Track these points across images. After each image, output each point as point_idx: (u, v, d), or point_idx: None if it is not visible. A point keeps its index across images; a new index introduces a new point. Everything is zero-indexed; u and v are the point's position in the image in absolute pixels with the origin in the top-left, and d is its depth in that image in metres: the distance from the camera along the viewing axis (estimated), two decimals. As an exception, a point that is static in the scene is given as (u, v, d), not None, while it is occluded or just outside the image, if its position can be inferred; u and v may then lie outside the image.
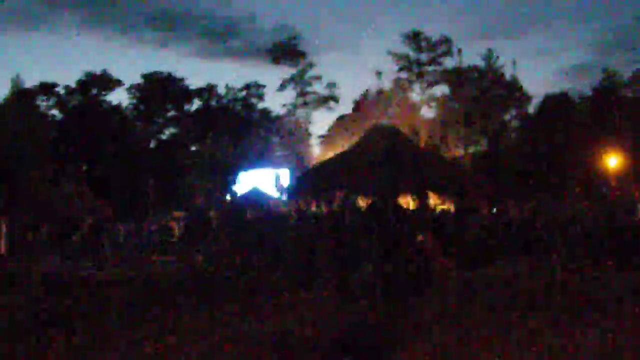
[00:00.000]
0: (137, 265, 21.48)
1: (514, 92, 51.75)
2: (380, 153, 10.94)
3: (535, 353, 6.95)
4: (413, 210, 12.69)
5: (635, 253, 14.32)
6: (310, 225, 14.81)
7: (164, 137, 58.98)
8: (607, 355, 6.91)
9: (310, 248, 14.29)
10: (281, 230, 18.46)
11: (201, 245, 15.68)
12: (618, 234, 14.75)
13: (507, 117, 52.71)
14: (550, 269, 14.19)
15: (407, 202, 13.07)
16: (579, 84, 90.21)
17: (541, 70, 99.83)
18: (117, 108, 56.59)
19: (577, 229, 20.32)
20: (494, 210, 20.03)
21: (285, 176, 34.75)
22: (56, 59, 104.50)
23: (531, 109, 52.77)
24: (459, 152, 47.49)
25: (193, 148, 56.64)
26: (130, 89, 57.11)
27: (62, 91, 55.29)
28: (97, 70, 55.78)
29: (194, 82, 60.38)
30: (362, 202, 13.38)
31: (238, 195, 26.82)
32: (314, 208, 15.29)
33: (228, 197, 32.32)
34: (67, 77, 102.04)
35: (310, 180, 11.71)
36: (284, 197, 21.70)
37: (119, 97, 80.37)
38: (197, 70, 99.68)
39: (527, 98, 52.67)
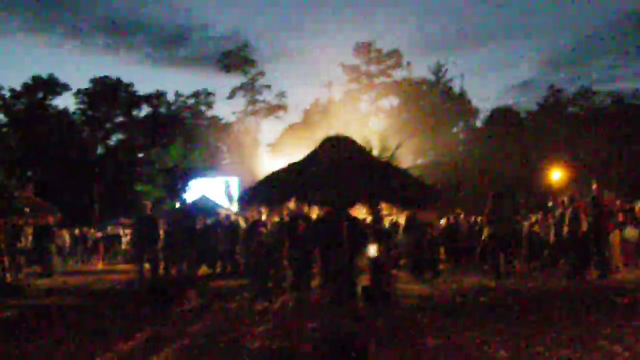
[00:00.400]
0: (85, 273, 21.22)
1: (462, 105, 52.63)
2: (334, 163, 10.97)
3: None
4: (364, 220, 12.78)
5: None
6: (262, 235, 14.83)
7: (111, 143, 58.29)
8: None
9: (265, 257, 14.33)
10: (232, 239, 18.45)
11: (148, 253, 15.46)
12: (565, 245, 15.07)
13: (454, 129, 53.54)
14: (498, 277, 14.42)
15: (359, 212, 13.15)
16: (525, 100, 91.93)
17: (489, 85, 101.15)
18: (63, 113, 55.71)
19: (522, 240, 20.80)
20: (442, 221, 20.30)
21: (234, 184, 34.60)
22: (2, 61, 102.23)
23: (478, 122, 53.81)
24: (408, 163, 47.90)
25: (141, 154, 55.96)
26: (77, 94, 56.24)
27: (7, 94, 54.23)
28: (44, 74, 54.92)
29: (144, 88, 59.91)
30: (314, 213, 13.42)
31: (187, 202, 26.62)
32: (264, 217, 15.28)
33: (177, 205, 32.07)
34: (13, 80, 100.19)
35: (262, 190, 11.67)
36: (234, 206, 21.62)
37: (66, 101, 79.01)
38: (147, 77, 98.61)
39: (475, 111, 53.67)
